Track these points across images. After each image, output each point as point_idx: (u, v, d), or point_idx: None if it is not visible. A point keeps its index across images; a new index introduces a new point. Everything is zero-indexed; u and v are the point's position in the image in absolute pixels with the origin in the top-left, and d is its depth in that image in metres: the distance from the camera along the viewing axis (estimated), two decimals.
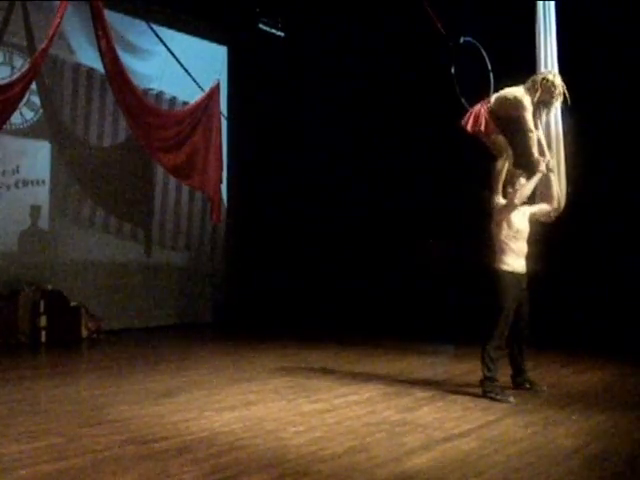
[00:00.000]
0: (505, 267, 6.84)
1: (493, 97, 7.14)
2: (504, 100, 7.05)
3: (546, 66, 7.23)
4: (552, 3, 7.28)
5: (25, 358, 9.65)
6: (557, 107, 7.07)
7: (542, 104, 7.04)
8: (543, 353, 9.20)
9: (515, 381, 7.13)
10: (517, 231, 6.89)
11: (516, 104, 6.93)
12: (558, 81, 6.93)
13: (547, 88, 6.90)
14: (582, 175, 7.63)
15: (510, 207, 6.86)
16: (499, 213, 6.93)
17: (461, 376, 7.91)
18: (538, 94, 6.91)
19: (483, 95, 7.21)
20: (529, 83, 6.96)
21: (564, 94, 6.95)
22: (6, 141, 10.87)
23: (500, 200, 6.98)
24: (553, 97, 6.94)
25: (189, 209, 13.91)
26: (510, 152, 7.03)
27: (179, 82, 12.97)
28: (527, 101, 6.89)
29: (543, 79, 6.93)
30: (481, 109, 7.08)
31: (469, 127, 7.10)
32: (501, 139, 7.06)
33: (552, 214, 7.20)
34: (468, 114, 7.14)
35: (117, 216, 12.73)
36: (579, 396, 6.87)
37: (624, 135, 10.69)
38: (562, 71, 7.17)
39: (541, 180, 7.06)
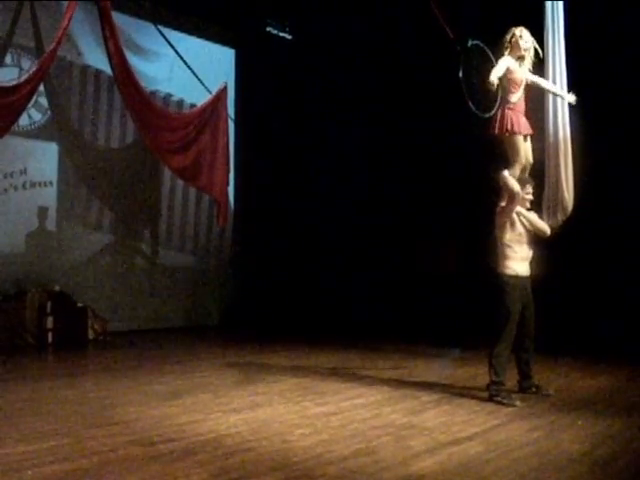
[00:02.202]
0: (509, 271, 6.83)
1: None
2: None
3: (554, 67, 7.26)
4: (560, 3, 7.28)
5: (32, 359, 9.67)
6: (529, 61, 7.19)
7: (519, 61, 7.15)
8: (550, 358, 9.17)
9: (521, 385, 7.11)
10: (520, 234, 6.89)
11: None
12: (526, 34, 7.11)
13: (515, 43, 7.11)
14: (589, 178, 7.62)
15: (510, 207, 6.85)
16: (500, 216, 6.93)
17: (467, 380, 7.90)
18: (508, 52, 7.10)
19: (491, 98, 7.20)
20: (503, 47, 7.11)
21: (535, 48, 7.18)
22: (14, 142, 10.90)
23: (501, 203, 6.99)
24: (524, 50, 7.12)
25: (196, 211, 13.93)
26: (521, 159, 7.03)
27: (187, 84, 13.00)
28: (502, 60, 7.00)
29: (512, 36, 7.13)
30: (503, 110, 7.07)
31: (501, 130, 7.06)
32: (520, 141, 7.05)
33: (559, 217, 7.20)
34: (494, 120, 7.13)
35: (124, 218, 12.75)
36: (585, 401, 6.84)
37: (633, 138, 10.65)
38: (570, 72, 7.20)
39: (549, 185, 7.08)
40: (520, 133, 7.04)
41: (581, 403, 6.72)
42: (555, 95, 7.25)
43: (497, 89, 7.02)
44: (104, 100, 12.39)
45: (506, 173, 6.89)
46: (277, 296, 14.07)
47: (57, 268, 11.54)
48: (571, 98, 7.20)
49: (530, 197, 7.02)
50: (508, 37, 7.14)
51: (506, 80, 7.02)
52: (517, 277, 6.84)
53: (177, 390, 7.10)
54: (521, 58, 7.14)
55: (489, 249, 7.09)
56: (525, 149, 7.13)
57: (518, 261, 6.87)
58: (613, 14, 10.32)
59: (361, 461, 4.69)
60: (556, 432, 5.57)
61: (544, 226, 7.04)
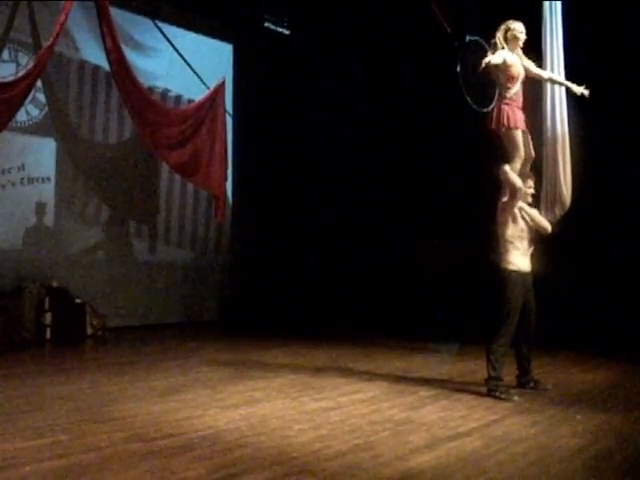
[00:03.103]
0: (510, 266, 6.82)
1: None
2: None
3: (552, 67, 7.24)
4: (558, 3, 7.27)
5: (30, 355, 9.67)
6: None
7: (516, 54, 7.08)
8: (548, 352, 9.19)
9: (520, 380, 7.11)
10: (522, 229, 6.88)
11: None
12: (520, 26, 7.04)
13: (513, 37, 7.01)
14: (588, 174, 7.62)
15: (511, 202, 6.84)
16: (502, 211, 6.92)
17: (465, 375, 7.90)
18: (507, 45, 7.00)
19: (489, 93, 7.18)
20: (496, 42, 7.00)
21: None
22: (11, 138, 10.87)
23: (503, 199, 6.97)
24: (520, 41, 7.04)
25: (194, 206, 13.92)
26: (521, 153, 6.99)
27: (184, 80, 12.98)
28: (500, 52, 6.92)
29: (507, 30, 7.03)
30: (500, 105, 7.02)
31: (497, 126, 7.01)
32: (519, 135, 7.01)
33: (557, 213, 7.19)
34: (491, 116, 7.07)
35: (122, 213, 12.75)
36: (584, 395, 6.86)
37: (631, 134, 10.66)
38: (568, 72, 7.19)
39: (547, 180, 7.08)
40: (516, 128, 7.01)
41: (579, 398, 6.73)
42: (568, 88, 7.19)
43: (495, 84, 7.01)
44: (102, 96, 12.38)
45: (507, 168, 6.86)
46: (276, 292, 14.07)
47: (55, 264, 11.53)
48: (582, 90, 7.16)
49: (532, 191, 7.01)
50: (502, 32, 7.04)
51: (503, 75, 6.98)
52: (519, 272, 6.84)
53: (175, 386, 7.10)
54: (518, 50, 7.10)
55: (489, 244, 7.09)
56: (526, 143, 7.10)
57: (520, 256, 6.86)
58: (611, 13, 10.31)
59: (360, 456, 4.69)
60: (554, 427, 5.58)
61: (545, 223, 7.03)
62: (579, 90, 7.11)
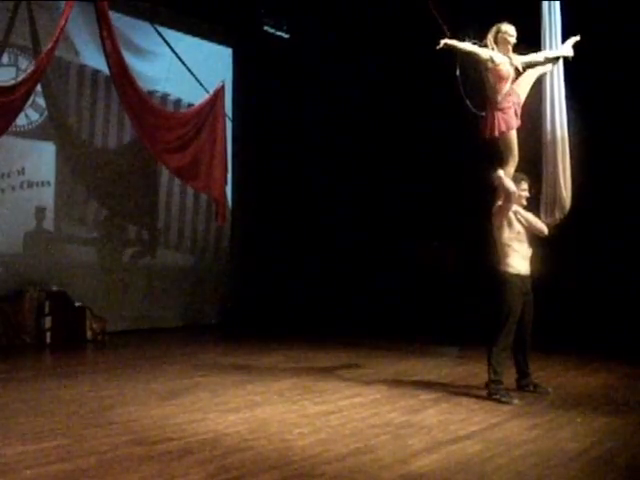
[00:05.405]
0: (510, 270, 6.84)
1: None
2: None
3: (551, 67, 7.24)
4: (557, 3, 7.27)
5: (30, 359, 9.66)
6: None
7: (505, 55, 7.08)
8: (548, 356, 9.18)
9: (520, 384, 7.12)
10: (518, 232, 6.89)
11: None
12: (511, 29, 7.05)
13: (502, 39, 7.02)
14: (587, 176, 7.63)
15: (506, 206, 6.84)
16: (497, 215, 6.93)
17: (466, 378, 7.90)
18: (497, 47, 7.02)
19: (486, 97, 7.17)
20: (487, 44, 7.01)
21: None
22: (11, 142, 10.86)
23: (498, 203, 6.98)
24: (511, 45, 7.05)
25: (194, 210, 13.91)
26: (515, 156, 6.99)
27: (184, 84, 12.98)
28: (487, 49, 6.95)
29: (497, 33, 7.04)
30: (493, 112, 7.00)
31: (492, 132, 6.98)
32: (514, 137, 7.00)
33: (557, 216, 7.19)
34: (485, 123, 7.05)
35: (122, 217, 12.73)
36: (584, 398, 6.86)
37: (630, 136, 10.67)
38: (567, 71, 7.20)
39: (547, 182, 7.09)
40: (514, 128, 7.00)
41: (579, 401, 6.73)
42: (553, 61, 7.18)
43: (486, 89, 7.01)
44: (101, 100, 12.36)
45: (500, 173, 6.86)
46: (275, 295, 14.07)
47: (55, 268, 11.51)
48: (569, 51, 7.18)
49: (526, 194, 7.01)
50: (492, 35, 7.03)
51: (491, 74, 6.94)
52: (519, 276, 6.85)
53: (176, 389, 7.10)
54: (509, 53, 7.08)
55: (488, 248, 7.09)
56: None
57: (519, 259, 6.87)
58: (610, 13, 10.31)
59: (360, 460, 4.69)
60: (555, 430, 5.58)
61: (542, 225, 7.04)
62: (570, 53, 7.14)
